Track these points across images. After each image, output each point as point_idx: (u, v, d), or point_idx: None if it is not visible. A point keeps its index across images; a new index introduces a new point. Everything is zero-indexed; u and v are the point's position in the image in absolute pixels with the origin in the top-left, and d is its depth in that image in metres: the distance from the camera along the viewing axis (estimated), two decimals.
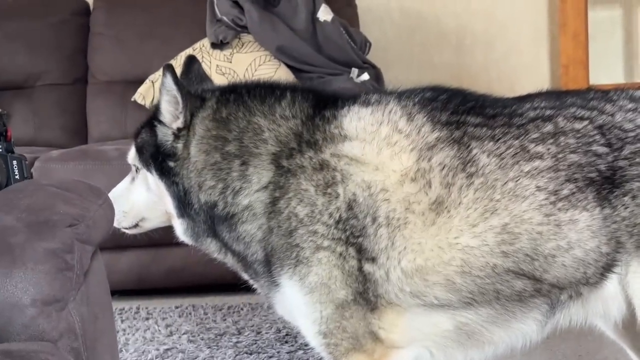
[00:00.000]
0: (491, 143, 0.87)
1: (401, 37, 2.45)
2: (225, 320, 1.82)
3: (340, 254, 0.82)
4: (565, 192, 0.88)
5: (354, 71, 2.06)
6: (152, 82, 2.14)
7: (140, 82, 2.24)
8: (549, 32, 2.50)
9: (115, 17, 2.32)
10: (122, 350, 1.74)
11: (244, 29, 2.10)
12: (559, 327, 0.96)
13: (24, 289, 0.81)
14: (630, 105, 0.93)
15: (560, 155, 0.89)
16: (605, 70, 2.53)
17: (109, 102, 2.30)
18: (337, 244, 0.82)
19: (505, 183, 0.85)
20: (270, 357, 1.53)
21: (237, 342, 1.65)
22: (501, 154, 0.87)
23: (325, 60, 2.07)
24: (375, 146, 0.83)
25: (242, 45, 2.07)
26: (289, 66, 2.09)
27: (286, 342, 1.60)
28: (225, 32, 2.10)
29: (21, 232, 0.85)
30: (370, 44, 2.07)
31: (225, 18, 2.10)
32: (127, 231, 1.09)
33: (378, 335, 0.86)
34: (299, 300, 0.84)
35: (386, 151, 0.83)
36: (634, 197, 0.89)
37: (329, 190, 0.83)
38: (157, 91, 1.92)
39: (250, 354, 1.54)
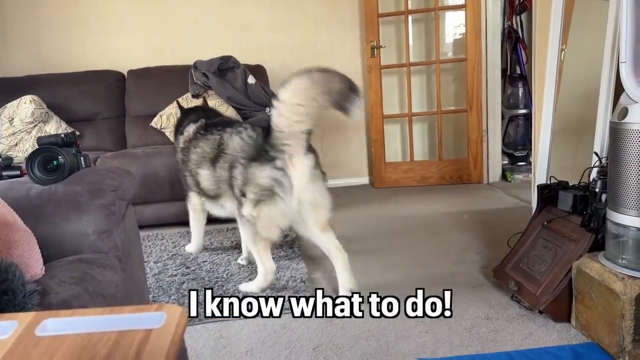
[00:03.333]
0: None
1: None
2: (204, 237, 2.98)
3: None
4: (204, 161, 2.21)
5: (267, 109, 3.79)
6: (161, 115, 3.84)
7: (154, 115, 3.69)
8: (363, 89, 4.25)
9: (139, 81, 3.80)
10: (146, 259, 2.63)
11: (209, 88, 3.80)
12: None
13: (88, 225, 1.21)
14: (233, 129, 2.07)
15: (206, 147, 2.20)
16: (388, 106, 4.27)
17: (138, 127, 3.73)
18: None
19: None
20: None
21: (213, 249, 3.14)
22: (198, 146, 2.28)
23: (252, 103, 3.71)
24: None
25: (208, 96, 3.78)
26: (233, 106, 3.84)
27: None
28: (199, 89, 3.74)
29: (85, 194, 1.24)
30: (275, 95, 3.83)
31: (198, 82, 3.71)
32: None
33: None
34: None
35: None
36: (220, 168, 2.09)
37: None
38: (165, 118, 3.66)
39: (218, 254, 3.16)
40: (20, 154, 3.52)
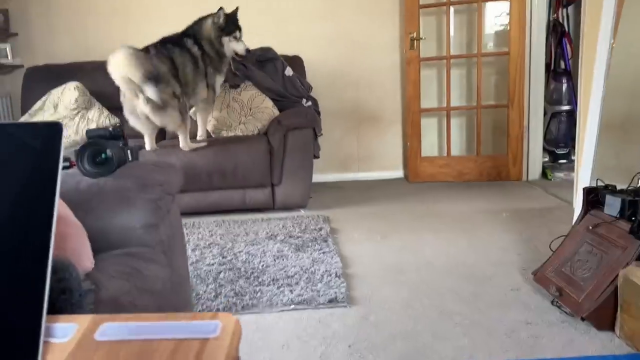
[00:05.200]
0: None
1: (326, 80, 4.13)
2: (239, 227, 3.02)
3: None
4: None
5: (304, 100, 3.78)
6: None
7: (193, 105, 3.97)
8: (400, 82, 4.20)
9: None
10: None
11: (248, 78, 3.82)
12: None
13: (135, 219, 1.24)
14: None
15: None
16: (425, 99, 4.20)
17: None
18: None
19: None
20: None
21: (246, 235, 3.15)
22: None
23: (289, 95, 3.74)
24: None
25: (246, 87, 3.82)
26: (270, 98, 3.84)
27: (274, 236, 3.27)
28: (237, 80, 3.85)
29: (133, 189, 1.28)
30: (311, 87, 3.83)
31: (237, 72, 3.79)
32: None
33: None
34: None
35: None
36: None
37: None
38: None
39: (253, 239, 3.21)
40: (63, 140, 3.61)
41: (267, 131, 3.37)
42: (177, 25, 4.09)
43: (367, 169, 4.38)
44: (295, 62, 3.92)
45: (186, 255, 1.64)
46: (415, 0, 3.86)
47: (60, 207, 1.06)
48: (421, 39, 3.92)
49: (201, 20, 3.22)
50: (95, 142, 1.34)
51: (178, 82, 3.01)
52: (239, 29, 3.26)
